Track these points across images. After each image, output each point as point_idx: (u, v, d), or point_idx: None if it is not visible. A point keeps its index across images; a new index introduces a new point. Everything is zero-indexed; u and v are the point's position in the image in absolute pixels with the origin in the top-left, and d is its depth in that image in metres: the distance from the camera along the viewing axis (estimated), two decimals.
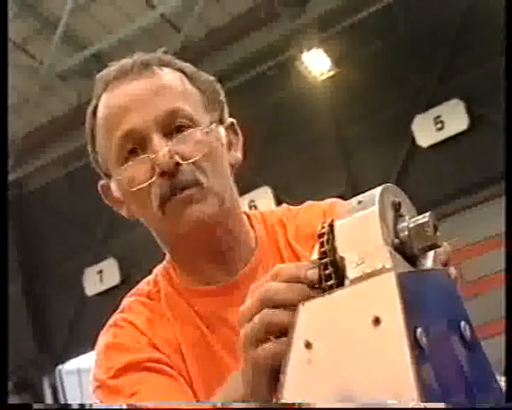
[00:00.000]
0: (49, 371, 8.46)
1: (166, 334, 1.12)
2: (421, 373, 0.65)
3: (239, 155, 1.20)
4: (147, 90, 1.12)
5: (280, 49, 7.52)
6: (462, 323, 0.74)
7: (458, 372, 0.73)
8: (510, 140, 1.06)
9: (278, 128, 7.84)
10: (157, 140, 1.09)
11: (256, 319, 0.78)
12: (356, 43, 7.55)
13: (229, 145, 1.18)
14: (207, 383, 1.07)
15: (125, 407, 1.01)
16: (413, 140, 7.39)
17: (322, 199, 1.27)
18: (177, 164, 1.07)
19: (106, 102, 1.15)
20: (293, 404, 0.69)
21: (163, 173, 1.07)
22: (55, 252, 8.69)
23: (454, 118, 7.14)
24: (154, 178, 1.08)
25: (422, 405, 0.63)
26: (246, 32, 7.55)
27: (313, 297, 0.73)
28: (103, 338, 1.13)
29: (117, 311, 1.18)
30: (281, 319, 0.76)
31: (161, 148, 1.08)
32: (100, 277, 8.37)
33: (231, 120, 1.20)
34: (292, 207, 1.27)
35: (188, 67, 1.18)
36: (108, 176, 1.17)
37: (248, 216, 1.22)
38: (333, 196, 1.30)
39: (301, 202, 1.28)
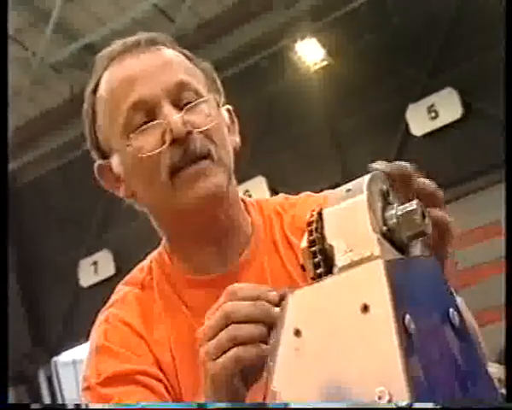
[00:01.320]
0: (44, 364, 8.47)
1: (158, 332, 1.10)
2: (409, 360, 0.65)
3: (237, 139, 1.19)
4: (154, 62, 1.11)
5: (273, 39, 7.50)
6: (451, 310, 0.74)
7: (447, 359, 0.73)
8: (510, 129, 1.06)
9: (272, 118, 7.84)
10: (168, 108, 1.07)
11: (222, 334, 0.79)
12: (350, 33, 7.54)
13: (228, 129, 1.17)
14: (198, 385, 1.07)
15: (120, 407, 1.02)
16: (407, 129, 7.39)
17: (317, 189, 1.26)
18: (189, 132, 1.06)
19: (111, 76, 1.12)
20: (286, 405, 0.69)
21: (175, 141, 1.05)
22: (48, 245, 8.68)
23: (447, 108, 7.14)
24: (165, 146, 1.05)
25: (417, 405, 0.64)
26: (239, 22, 7.53)
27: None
28: (95, 335, 1.12)
29: (110, 299, 1.16)
30: (249, 331, 0.77)
31: (173, 115, 1.06)
32: (94, 268, 8.37)
33: (228, 106, 1.20)
34: (289, 196, 1.26)
35: (188, 53, 1.19)
36: (107, 156, 1.14)
37: (245, 202, 1.21)
38: (327, 187, 1.29)
39: (296, 193, 1.28)
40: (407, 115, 7.34)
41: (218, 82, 1.19)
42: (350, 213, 0.72)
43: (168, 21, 7.44)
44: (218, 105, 1.15)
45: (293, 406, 0.69)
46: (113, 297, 1.17)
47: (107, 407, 1.02)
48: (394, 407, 0.64)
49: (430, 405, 0.66)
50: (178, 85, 1.09)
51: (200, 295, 1.12)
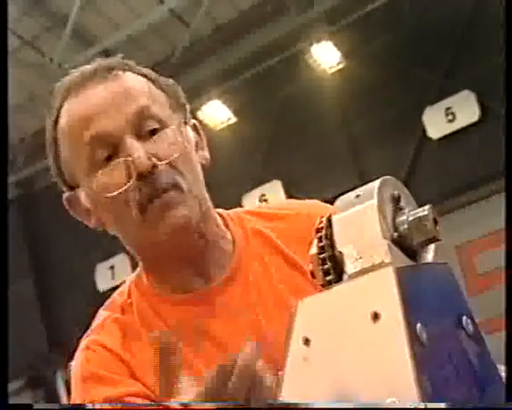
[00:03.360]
0: (61, 367, 8.50)
1: (141, 354, 1.08)
2: (420, 369, 0.64)
3: (206, 153, 1.16)
4: (114, 92, 1.08)
5: (289, 42, 7.49)
6: (464, 317, 0.72)
7: (462, 367, 0.71)
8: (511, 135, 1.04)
9: (288, 121, 7.82)
10: (131, 142, 1.04)
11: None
12: (366, 36, 7.51)
13: (196, 146, 1.15)
14: None
15: (120, 407, 1.01)
16: (424, 132, 7.35)
17: (333, 192, 1.25)
18: (154, 166, 1.04)
19: (70, 109, 1.10)
20: (296, 405, 0.68)
21: (141, 176, 1.03)
22: (66, 249, 8.72)
23: (465, 110, 7.09)
24: (131, 182, 1.04)
25: (423, 404, 0.62)
26: (254, 26, 7.53)
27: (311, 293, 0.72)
28: (78, 363, 1.09)
29: (90, 327, 1.14)
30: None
31: (136, 149, 1.04)
32: (111, 272, 8.39)
33: (193, 121, 1.17)
34: (270, 205, 1.25)
35: (148, 71, 1.15)
36: (74, 188, 1.13)
37: (222, 217, 1.18)
38: (343, 190, 1.28)
39: (310, 196, 1.27)
40: (424, 118, 7.29)
41: (183, 97, 1.16)
42: (360, 220, 0.71)
43: (184, 26, 7.46)
44: (186, 123, 1.12)
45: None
46: (94, 323, 1.15)
47: (108, 407, 1.01)
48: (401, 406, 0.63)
49: (442, 405, 0.65)
50: (140, 114, 1.06)
51: (180, 314, 1.10)
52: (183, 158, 1.07)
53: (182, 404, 0.86)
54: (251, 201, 7.46)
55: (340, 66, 7.62)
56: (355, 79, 7.49)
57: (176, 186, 1.05)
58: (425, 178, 7.12)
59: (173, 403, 0.93)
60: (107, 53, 7.30)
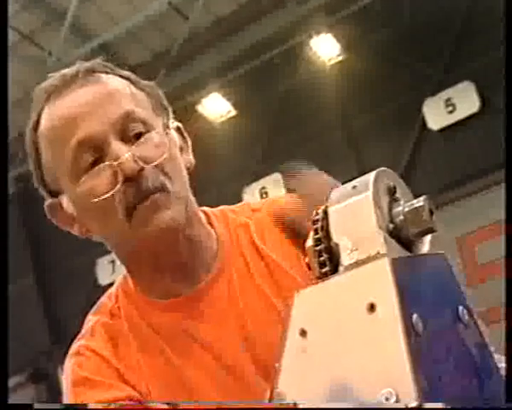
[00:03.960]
0: (63, 362, 8.51)
1: (129, 358, 1.08)
2: (416, 360, 0.64)
3: (191, 157, 1.15)
4: (97, 95, 1.06)
5: (288, 35, 7.47)
6: (461, 308, 0.72)
7: (458, 358, 0.72)
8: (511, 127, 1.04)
9: (288, 114, 7.81)
10: (117, 145, 1.03)
11: None
12: (365, 27, 7.49)
13: (181, 149, 1.13)
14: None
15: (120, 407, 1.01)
16: (424, 124, 7.34)
17: None
18: (141, 169, 1.02)
19: (52, 113, 1.08)
20: (295, 404, 0.68)
21: (127, 179, 1.02)
22: (66, 244, 8.69)
23: (465, 101, 7.08)
24: (118, 186, 1.02)
25: (427, 405, 0.62)
26: (253, 19, 7.51)
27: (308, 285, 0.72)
28: (69, 368, 1.09)
29: (80, 332, 1.14)
30: None
31: (123, 153, 1.02)
32: (112, 266, 8.40)
33: (177, 124, 1.16)
34: (252, 203, 1.24)
35: (129, 73, 1.14)
36: (56, 194, 1.11)
37: (207, 214, 1.17)
38: (343, 183, 1.28)
39: None
40: (424, 109, 7.28)
41: (164, 99, 1.15)
42: (355, 211, 0.71)
43: (182, 19, 7.44)
44: (168, 127, 1.11)
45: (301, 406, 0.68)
46: (84, 328, 1.14)
47: (109, 407, 1.02)
48: (404, 406, 0.63)
49: (440, 405, 0.64)
50: (124, 118, 1.05)
51: (167, 319, 1.10)
52: (169, 160, 1.06)
53: (170, 404, 0.86)
54: (251, 194, 7.47)
55: (340, 58, 7.61)
56: (355, 71, 7.47)
57: (162, 189, 1.04)
58: (425, 170, 7.12)
59: (161, 404, 0.93)
60: (105, 47, 7.30)
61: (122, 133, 1.05)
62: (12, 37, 7.10)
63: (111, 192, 1.02)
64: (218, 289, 1.11)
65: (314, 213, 0.74)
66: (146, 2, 7.17)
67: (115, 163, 1.02)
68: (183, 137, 1.16)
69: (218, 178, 7.50)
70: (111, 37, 7.25)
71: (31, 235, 8.87)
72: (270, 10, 7.45)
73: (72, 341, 1.14)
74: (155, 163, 1.04)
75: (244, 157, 7.85)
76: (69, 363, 1.10)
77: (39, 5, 7.17)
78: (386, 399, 0.63)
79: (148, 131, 1.06)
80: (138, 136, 1.05)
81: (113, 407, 1.02)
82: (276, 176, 7.67)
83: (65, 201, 1.10)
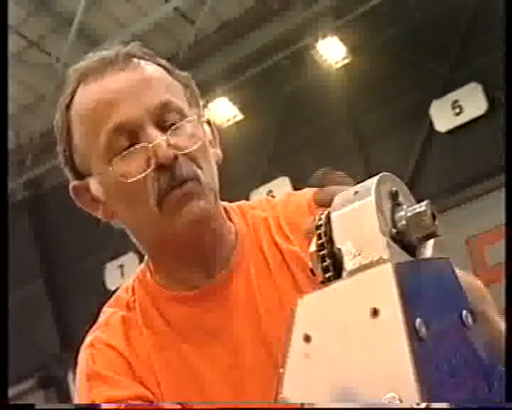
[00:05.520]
0: (73, 367, 8.54)
1: (142, 353, 1.08)
2: (420, 364, 0.64)
3: (219, 152, 1.15)
4: (135, 81, 1.06)
5: (294, 38, 7.48)
6: (464, 312, 0.72)
7: (462, 362, 0.72)
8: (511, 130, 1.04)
9: (294, 117, 7.82)
10: (152, 131, 1.03)
11: None
12: (371, 30, 7.49)
13: (210, 143, 1.13)
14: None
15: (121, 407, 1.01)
16: (431, 125, 7.33)
17: None
18: (176, 157, 1.03)
19: (88, 95, 1.07)
20: (302, 404, 0.68)
21: (161, 166, 1.02)
22: (75, 249, 8.76)
23: (472, 103, 7.06)
24: (150, 170, 1.02)
25: (424, 405, 0.62)
26: (259, 22, 7.53)
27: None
28: (83, 360, 1.09)
29: (96, 322, 1.14)
30: None
31: (157, 139, 1.03)
32: (121, 271, 8.42)
33: (208, 117, 1.16)
34: (270, 198, 1.24)
35: (166, 62, 1.14)
36: (83, 176, 1.11)
37: (226, 209, 1.17)
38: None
39: None
40: (431, 111, 7.27)
41: (197, 92, 1.15)
42: (358, 216, 0.71)
43: (189, 24, 7.47)
44: (200, 118, 1.11)
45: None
46: (99, 319, 1.14)
47: (109, 408, 1.02)
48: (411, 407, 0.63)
49: (445, 405, 0.65)
50: (162, 106, 1.05)
51: (183, 312, 1.10)
52: (202, 151, 1.07)
53: (180, 404, 0.86)
54: (259, 198, 7.47)
55: (346, 61, 7.61)
56: (361, 73, 7.48)
57: (195, 178, 1.04)
58: (433, 172, 7.11)
59: (170, 404, 0.93)
60: None
61: (158, 121, 1.05)
62: (19, 43, 7.14)
63: (143, 174, 1.03)
64: (235, 284, 1.11)
65: (317, 218, 0.74)
66: (152, 6, 7.20)
67: (150, 145, 1.02)
68: (213, 131, 1.16)
69: (224, 182, 7.47)
70: (117, 42, 7.26)
71: (40, 240, 8.91)
72: (275, 14, 7.46)
73: (81, 346, 1.14)
74: (189, 150, 1.04)
75: (251, 161, 7.86)
76: (83, 355, 1.10)
77: (46, 11, 7.21)
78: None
79: (182, 121, 1.07)
80: (173, 126, 1.06)
81: (123, 407, 1.02)
82: (284, 179, 7.68)
83: (92, 183, 1.10)
